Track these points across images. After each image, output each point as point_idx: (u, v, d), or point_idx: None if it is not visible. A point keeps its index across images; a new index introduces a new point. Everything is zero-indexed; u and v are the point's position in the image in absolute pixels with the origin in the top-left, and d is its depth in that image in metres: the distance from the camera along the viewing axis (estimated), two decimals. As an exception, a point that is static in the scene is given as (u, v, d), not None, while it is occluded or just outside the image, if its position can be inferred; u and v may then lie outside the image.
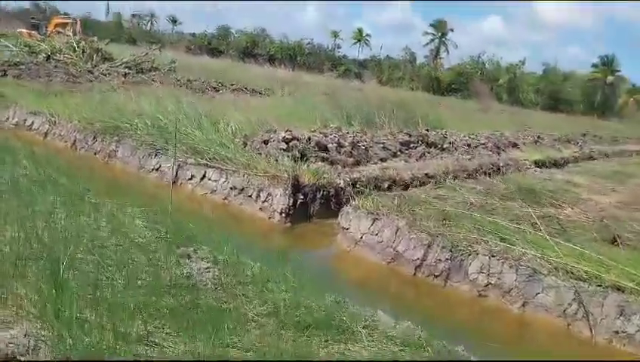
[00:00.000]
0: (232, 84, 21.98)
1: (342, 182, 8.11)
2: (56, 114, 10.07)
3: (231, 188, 7.83)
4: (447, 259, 5.95)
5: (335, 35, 67.88)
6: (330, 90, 28.85)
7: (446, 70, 65.15)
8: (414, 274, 6.10)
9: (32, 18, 37.95)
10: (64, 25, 34.42)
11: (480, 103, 45.48)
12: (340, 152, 9.43)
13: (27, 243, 3.70)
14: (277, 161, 8.15)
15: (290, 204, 7.29)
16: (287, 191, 7.29)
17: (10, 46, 18.72)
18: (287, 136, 8.87)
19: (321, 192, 7.74)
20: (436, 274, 6.03)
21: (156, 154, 8.67)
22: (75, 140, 9.71)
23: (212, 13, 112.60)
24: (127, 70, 18.27)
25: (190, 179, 8.27)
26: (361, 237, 6.59)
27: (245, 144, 8.89)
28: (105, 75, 17.09)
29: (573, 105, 56.36)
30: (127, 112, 9.76)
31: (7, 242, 3.74)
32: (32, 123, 10.25)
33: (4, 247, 3.67)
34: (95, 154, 9.40)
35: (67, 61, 18.19)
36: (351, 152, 9.62)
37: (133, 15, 69.67)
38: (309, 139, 9.22)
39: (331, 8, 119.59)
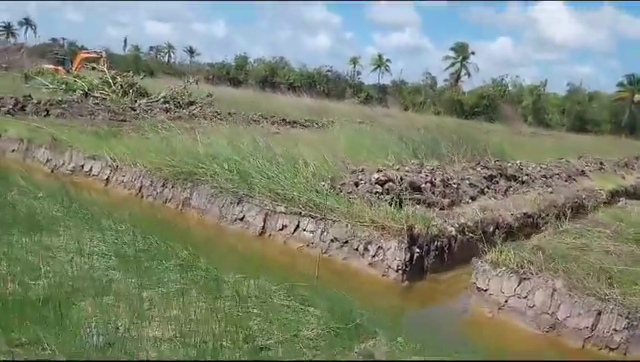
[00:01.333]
0: (272, 116, 21.32)
1: (452, 229, 7.17)
2: (117, 158, 9.30)
3: (332, 241, 6.91)
4: (624, 329, 4.96)
5: (354, 61, 67.81)
6: (365, 119, 28.40)
7: (467, 93, 64.59)
8: (582, 346, 5.10)
9: (56, 53, 37.98)
10: (90, 60, 34.49)
11: (509, 126, 44.68)
12: (434, 193, 8.50)
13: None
14: (375, 206, 7.26)
15: (407, 259, 6.35)
16: (402, 245, 6.35)
17: (47, 83, 18.27)
18: (381, 178, 7.97)
19: (435, 243, 6.81)
20: (612, 346, 5.03)
21: (239, 202, 7.81)
22: (140, 187, 8.90)
23: (224, 43, 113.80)
24: (167, 105, 17.64)
25: (281, 229, 7.37)
26: (506, 301, 5.61)
27: (334, 187, 8.00)
28: (146, 111, 16.45)
29: (601, 125, 55.09)
30: (195, 153, 8.94)
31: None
32: (91, 168, 9.49)
33: None
34: (165, 202, 8.56)
35: (105, 97, 17.65)
36: (444, 192, 8.68)
37: (151, 48, 70.34)
38: (402, 179, 8.31)
39: (341, 34, 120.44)
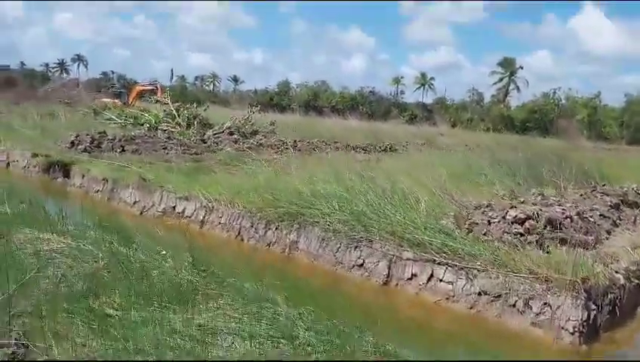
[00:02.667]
0: (335, 142, 20.63)
1: (620, 277, 6.09)
2: (212, 198, 8.67)
3: (479, 294, 5.95)
4: None
5: (397, 81, 67.07)
6: (422, 140, 27.37)
7: (515, 108, 62.65)
8: None
9: (112, 87, 38.84)
10: (146, 92, 35.04)
11: (569, 141, 42.62)
12: (574, 229, 7.42)
13: None
14: (520, 250, 6.28)
15: (584, 319, 5.32)
16: (579, 301, 5.33)
17: (115, 118, 18.20)
18: (519, 216, 6.97)
19: (608, 296, 5.75)
20: None
21: (357, 247, 6.97)
22: (240, 229, 8.20)
23: (263, 70, 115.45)
24: (235, 136, 17.20)
25: (410, 278, 6.47)
26: None
27: (459, 227, 7.06)
28: (216, 144, 16.03)
29: (664, 135, 51.95)
30: (295, 190, 8.20)
31: None
32: (184, 209, 8.89)
33: None
34: (269, 246, 7.82)
35: (172, 130, 17.38)
36: (585, 228, 7.59)
37: (196, 78, 71.75)
38: (538, 215, 7.29)
39: (376, 55, 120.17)
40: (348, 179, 8.35)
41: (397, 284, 6.57)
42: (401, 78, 68.97)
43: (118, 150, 13.38)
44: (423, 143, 24.66)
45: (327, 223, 7.33)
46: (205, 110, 20.27)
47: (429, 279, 6.33)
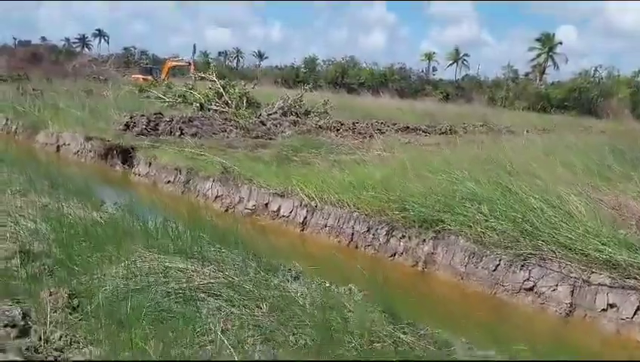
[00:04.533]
0: (394, 123, 19.09)
1: None
2: (315, 195, 7.31)
3: None
4: None
5: (429, 57, 64.61)
6: (474, 120, 25.59)
7: (552, 86, 60.06)
8: None
9: (143, 63, 37.46)
10: (179, 67, 33.63)
11: (619, 123, 40.44)
12: None
13: None
14: None
15: None
16: None
17: (163, 96, 16.83)
18: None
19: None
20: None
21: (523, 265, 5.57)
22: (352, 235, 6.85)
23: (281, 45, 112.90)
24: (293, 118, 15.78)
25: (606, 310, 5.08)
26: None
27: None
28: (276, 126, 14.63)
29: None
30: (414, 188, 6.79)
31: None
32: (279, 208, 7.55)
33: None
34: (393, 256, 6.47)
35: (223, 110, 16.00)
36: None
37: (220, 53, 70.05)
38: None
39: (396, 32, 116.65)
40: (481, 175, 6.89)
41: (585, 316, 5.18)
42: (433, 53, 66.37)
43: (177, 133, 12.07)
44: (482, 125, 22.92)
45: (478, 233, 5.94)
46: (254, 88, 18.79)
47: (635, 312, 4.94)
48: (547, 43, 57.36)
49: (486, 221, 6.00)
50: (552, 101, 55.27)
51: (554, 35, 57.90)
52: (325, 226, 7.15)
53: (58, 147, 11.61)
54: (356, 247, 6.82)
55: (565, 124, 30.79)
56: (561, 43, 58.18)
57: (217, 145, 11.22)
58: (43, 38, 62.84)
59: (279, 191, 7.63)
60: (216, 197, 8.26)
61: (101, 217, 5.29)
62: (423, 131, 19.45)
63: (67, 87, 18.64)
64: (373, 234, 6.71)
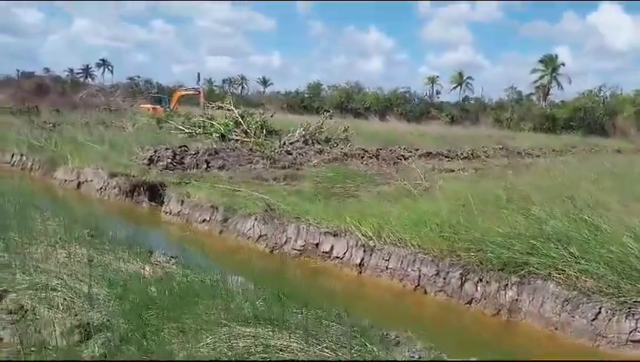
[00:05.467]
0: (417, 149, 18.58)
1: None
2: (367, 233, 6.70)
3: None
4: None
5: (432, 80, 64.72)
6: (484, 143, 25.10)
7: (555, 106, 59.98)
8: None
9: (152, 92, 37.24)
10: (188, 96, 33.33)
11: (629, 140, 40.07)
12: None
13: None
14: None
15: None
16: None
17: (182, 127, 16.35)
18: None
19: None
20: None
21: (629, 314, 4.94)
22: (418, 278, 6.22)
23: (280, 73, 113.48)
24: (319, 146, 15.28)
25: None
26: None
27: None
28: (302, 155, 14.11)
29: None
30: (485, 228, 6.19)
31: None
32: (332, 248, 6.94)
33: None
34: (468, 303, 5.83)
35: (244, 140, 15.51)
36: None
37: (224, 80, 70.28)
38: None
39: (394, 57, 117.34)
40: (556, 208, 6.29)
41: None
42: (436, 77, 66.46)
43: (203, 166, 11.54)
44: (500, 148, 22.44)
45: (570, 277, 5.31)
46: (272, 116, 18.36)
47: None
48: (550, 64, 57.51)
49: (577, 263, 5.38)
50: (557, 121, 55.05)
51: (557, 56, 58.07)
52: (386, 268, 6.52)
53: (79, 183, 11.03)
54: (425, 292, 6.18)
55: (576, 143, 30.42)
56: (563, 64, 58.37)
57: (246, 177, 10.68)
58: (46, 70, 62.83)
59: (331, 230, 7.03)
60: (260, 236, 7.64)
61: (155, 272, 4.68)
62: (445, 156, 18.92)
63: (81, 119, 18.20)
64: (444, 278, 6.08)
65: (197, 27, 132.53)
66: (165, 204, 9.23)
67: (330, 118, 18.73)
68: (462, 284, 5.95)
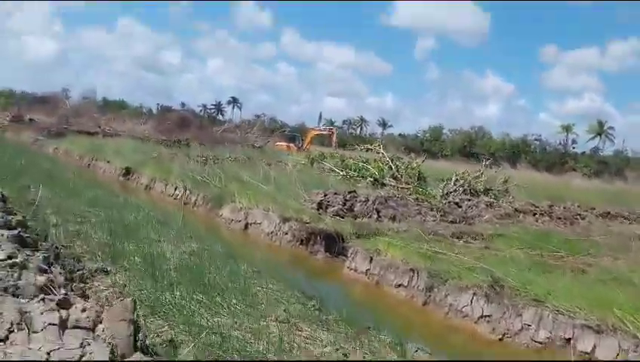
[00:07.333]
0: (593, 208, 16.16)
1: None
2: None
3: None
4: None
5: (567, 129, 59.82)
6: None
7: None
8: None
9: (286, 130, 38.17)
10: (321, 136, 33.68)
11: None
12: None
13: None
14: None
15: None
16: None
17: (334, 168, 15.75)
18: None
19: None
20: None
21: None
22: None
23: (393, 114, 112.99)
24: (487, 199, 13.71)
25: None
26: None
27: None
28: (471, 208, 12.63)
29: None
30: None
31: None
32: (594, 348, 5.36)
33: None
34: None
35: (401, 187, 14.42)
36: None
37: (344, 121, 71.19)
38: None
39: (513, 102, 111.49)
40: None
41: None
42: (573, 125, 61.24)
43: (374, 215, 10.55)
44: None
45: None
46: (423, 162, 17.14)
47: None
48: None
49: None
50: None
51: None
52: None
53: (246, 225, 10.56)
54: None
55: None
56: None
57: (420, 231, 9.45)
58: (182, 104, 68.19)
59: (592, 323, 5.45)
60: (480, 317, 6.27)
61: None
62: (625, 218, 16.23)
63: (229, 155, 18.44)
64: None
65: (318, 70, 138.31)
66: (350, 259, 8.24)
67: (490, 167, 17.02)
68: None
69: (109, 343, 2.50)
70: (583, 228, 13.33)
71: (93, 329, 2.59)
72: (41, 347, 2.19)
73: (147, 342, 3.08)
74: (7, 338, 2.28)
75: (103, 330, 2.60)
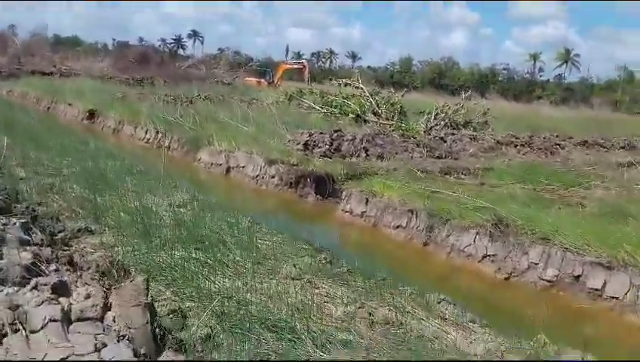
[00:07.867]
0: (570, 137, 16.19)
1: None
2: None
3: None
4: None
5: (534, 57, 59.80)
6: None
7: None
8: None
9: (255, 65, 36.57)
10: (292, 70, 32.42)
11: None
12: None
13: None
14: None
15: None
16: None
17: (313, 105, 15.09)
18: None
19: None
20: None
21: None
22: None
23: (360, 46, 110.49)
24: (469, 133, 13.48)
25: None
26: None
27: None
28: (455, 143, 12.40)
29: None
30: None
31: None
32: (604, 285, 5.29)
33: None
34: None
35: (383, 123, 14.00)
36: None
37: (312, 54, 69.05)
38: None
39: (478, 31, 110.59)
40: None
41: None
42: (540, 53, 61.15)
43: (363, 154, 10.18)
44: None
45: None
46: (403, 96, 16.62)
47: None
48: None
49: None
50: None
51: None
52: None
53: (228, 169, 10.04)
54: None
55: None
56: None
57: (410, 168, 9.18)
58: (140, 39, 64.26)
59: (602, 260, 5.35)
60: (484, 257, 6.12)
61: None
62: (602, 146, 16.40)
63: (202, 93, 17.48)
64: None
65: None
66: (344, 201, 7.93)
67: (469, 99, 16.70)
68: None
69: (123, 336, 2.09)
70: (563, 158, 13.36)
71: (101, 319, 2.16)
72: (45, 354, 1.75)
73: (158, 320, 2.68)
74: (0, 343, 1.83)
75: (113, 319, 2.17)
